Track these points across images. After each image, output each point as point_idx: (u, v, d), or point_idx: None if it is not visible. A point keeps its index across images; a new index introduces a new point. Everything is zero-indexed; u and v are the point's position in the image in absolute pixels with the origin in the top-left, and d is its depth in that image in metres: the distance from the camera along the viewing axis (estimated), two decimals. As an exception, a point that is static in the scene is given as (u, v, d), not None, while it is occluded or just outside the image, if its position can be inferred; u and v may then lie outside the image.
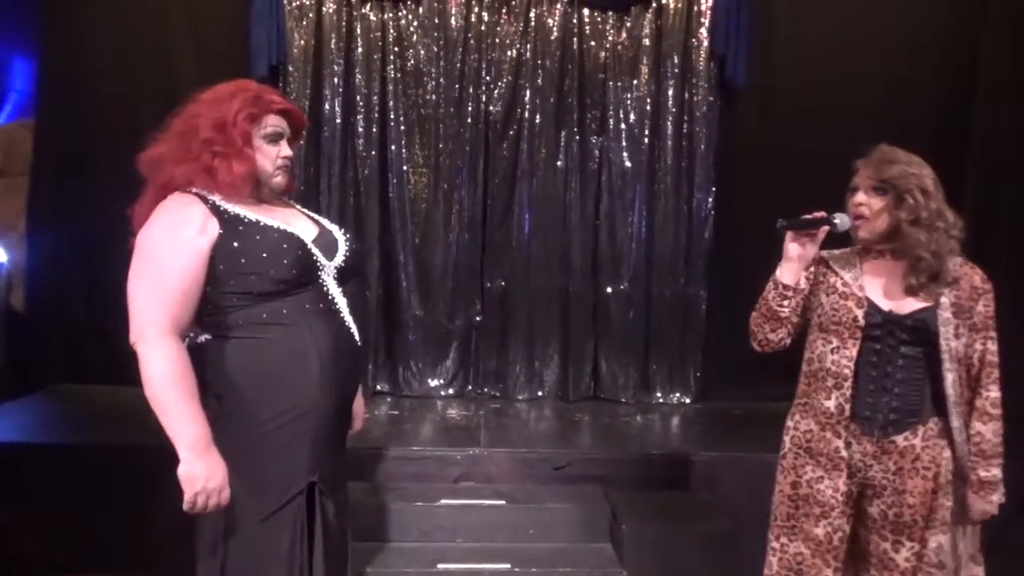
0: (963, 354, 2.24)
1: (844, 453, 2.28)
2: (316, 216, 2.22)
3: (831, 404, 2.28)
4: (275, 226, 1.98)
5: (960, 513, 2.26)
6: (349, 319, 2.06)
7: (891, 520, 2.27)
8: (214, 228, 1.93)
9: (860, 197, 2.27)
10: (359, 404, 2.30)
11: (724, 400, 5.01)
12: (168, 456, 1.87)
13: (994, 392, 2.25)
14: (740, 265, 4.53)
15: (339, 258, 2.09)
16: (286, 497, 1.95)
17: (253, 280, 1.93)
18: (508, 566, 3.25)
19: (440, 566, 3.24)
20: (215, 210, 1.95)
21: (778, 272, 2.30)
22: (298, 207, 2.22)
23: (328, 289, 2.04)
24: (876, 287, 2.28)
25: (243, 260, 1.93)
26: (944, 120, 4.88)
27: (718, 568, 3.26)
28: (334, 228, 2.18)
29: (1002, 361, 2.28)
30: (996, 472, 2.25)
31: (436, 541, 3.40)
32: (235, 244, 1.93)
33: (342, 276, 2.09)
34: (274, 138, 2.06)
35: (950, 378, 2.21)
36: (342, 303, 2.06)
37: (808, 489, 2.32)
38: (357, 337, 2.08)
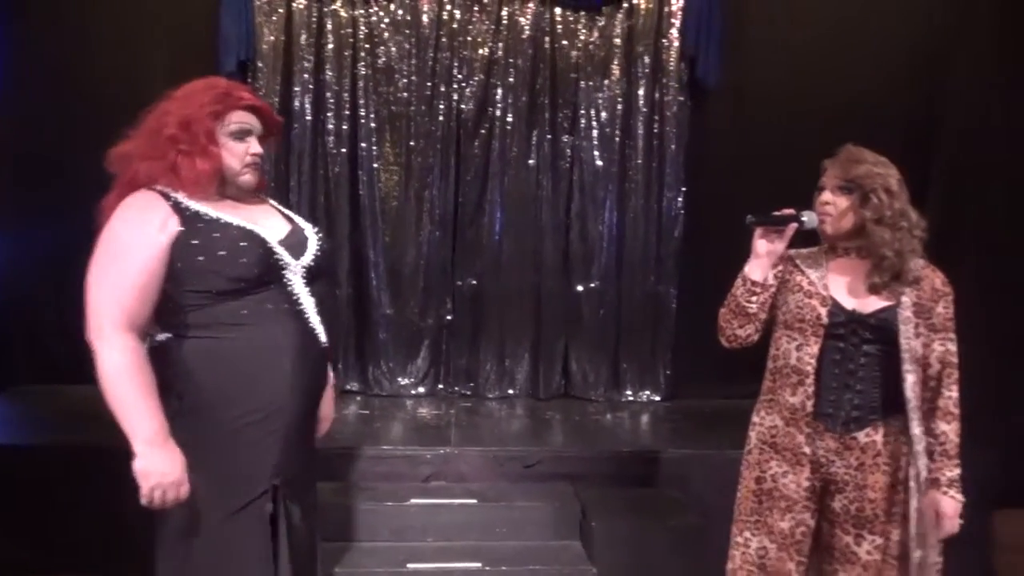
0: (921, 354, 2.27)
1: (806, 449, 2.31)
2: (290, 214, 2.20)
3: (796, 400, 2.31)
4: (235, 224, 1.96)
5: (931, 516, 2.26)
6: (315, 319, 2.05)
7: (853, 514, 2.30)
8: (174, 225, 1.91)
9: (826, 196, 2.30)
10: (327, 407, 2.27)
11: (694, 398, 5.05)
12: (129, 454, 1.85)
13: (954, 392, 2.29)
14: (710, 264, 4.54)
15: (308, 257, 2.06)
16: (252, 495, 1.94)
17: (211, 278, 1.91)
18: (479, 565, 3.26)
19: (410, 565, 3.23)
20: (176, 207, 1.93)
21: (747, 268, 2.33)
22: (273, 203, 2.20)
23: (293, 288, 2.02)
24: (841, 286, 2.31)
25: (200, 258, 1.91)
26: (913, 121, 4.92)
27: (687, 564, 3.28)
28: (307, 227, 2.16)
29: (963, 361, 2.31)
30: (959, 471, 2.29)
31: (407, 540, 3.39)
32: (194, 242, 1.91)
33: (311, 275, 2.07)
34: (240, 135, 2.03)
35: (910, 380, 2.24)
36: (308, 303, 2.04)
37: (772, 484, 2.35)
38: (323, 338, 2.07)
